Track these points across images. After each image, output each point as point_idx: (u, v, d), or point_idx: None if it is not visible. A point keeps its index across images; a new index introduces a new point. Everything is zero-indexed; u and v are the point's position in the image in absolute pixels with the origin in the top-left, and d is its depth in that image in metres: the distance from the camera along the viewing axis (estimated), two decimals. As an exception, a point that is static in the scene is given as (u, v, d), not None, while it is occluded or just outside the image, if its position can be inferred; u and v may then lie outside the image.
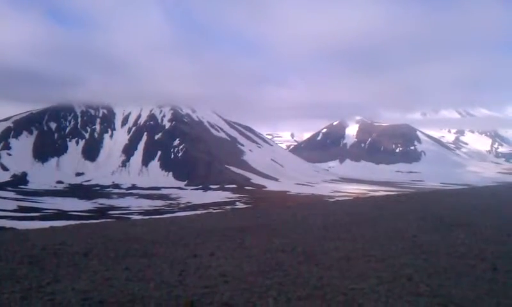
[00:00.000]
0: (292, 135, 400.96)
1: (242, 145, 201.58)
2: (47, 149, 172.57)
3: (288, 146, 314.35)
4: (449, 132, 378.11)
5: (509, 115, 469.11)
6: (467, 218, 14.47)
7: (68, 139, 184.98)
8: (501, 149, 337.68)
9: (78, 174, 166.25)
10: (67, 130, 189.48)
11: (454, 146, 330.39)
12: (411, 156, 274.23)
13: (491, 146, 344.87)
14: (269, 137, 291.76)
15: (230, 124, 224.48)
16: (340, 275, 7.44)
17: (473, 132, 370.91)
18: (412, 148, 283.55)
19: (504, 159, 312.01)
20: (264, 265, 8.06)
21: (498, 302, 6.29)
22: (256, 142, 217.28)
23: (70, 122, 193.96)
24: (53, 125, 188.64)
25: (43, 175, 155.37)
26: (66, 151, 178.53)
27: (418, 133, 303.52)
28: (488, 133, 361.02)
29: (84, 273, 7.56)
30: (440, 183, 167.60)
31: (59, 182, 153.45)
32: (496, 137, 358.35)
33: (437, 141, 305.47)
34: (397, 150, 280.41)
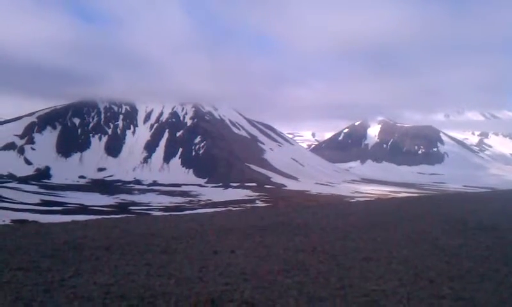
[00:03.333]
0: (313, 135, 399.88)
1: (263, 144, 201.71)
2: (70, 145, 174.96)
3: (309, 146, 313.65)
4: (473, 134, 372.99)
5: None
6: (490, 221, 14.23)
7: (91, 135, 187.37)
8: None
9: (100, 169, 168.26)
10: (90, 126, 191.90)
11: (477, 148, 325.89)
12: (434, 158, 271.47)
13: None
14: (290, 136, 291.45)
15: (251, 122, 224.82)
16: (361, 276, 7.38)
17: (497, 134, 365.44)
18: (435, 149, 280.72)
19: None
20: (284, 264, 8.04)
21: (523, 307, 6.18)
22: (277, 141, 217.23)
23: (93, 118, 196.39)
24: (76, 121, 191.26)
25: (65, 170, 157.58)
26: (89, 147, 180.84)
27: (441, 134, 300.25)
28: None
29: (105, 267, 7.63)
30: (463, 185, 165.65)
31: (82, 177, 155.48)
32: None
33: (460, 143, 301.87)
34: (419, 151, 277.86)
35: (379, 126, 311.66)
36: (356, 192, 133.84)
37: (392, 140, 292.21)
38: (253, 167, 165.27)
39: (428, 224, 13.46)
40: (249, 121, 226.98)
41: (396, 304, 6.16)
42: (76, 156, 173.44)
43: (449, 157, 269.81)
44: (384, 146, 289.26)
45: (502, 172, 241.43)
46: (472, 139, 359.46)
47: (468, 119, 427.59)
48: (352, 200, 71.96)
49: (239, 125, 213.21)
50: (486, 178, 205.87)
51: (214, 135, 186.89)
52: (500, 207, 20.05)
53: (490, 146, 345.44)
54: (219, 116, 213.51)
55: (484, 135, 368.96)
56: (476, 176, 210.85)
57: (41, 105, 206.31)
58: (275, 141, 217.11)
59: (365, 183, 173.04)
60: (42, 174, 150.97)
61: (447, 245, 10.12)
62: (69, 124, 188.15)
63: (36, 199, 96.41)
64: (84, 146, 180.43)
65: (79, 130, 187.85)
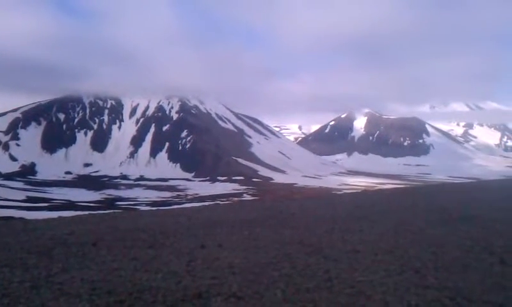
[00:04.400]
0: (300, 128, 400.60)
1: (250, 137, 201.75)
2: (55, 140, 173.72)
3: (296, 139, 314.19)
4: (458, 125, 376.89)
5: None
6: (475, 211, 14.39)
7: (76, 130, 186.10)
8: (510, 143, 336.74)
9: (86, 165, 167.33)
10: (75, 121, 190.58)
11: (462, 139, 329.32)
12: (420, 149, 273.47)
13: (500, 139, 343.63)
14: (277, 129, 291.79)
15: (238, 116, 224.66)
16: (348, 268, 7.44)
17: (482, 125, 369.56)
18: (420, 141, 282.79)
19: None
20: (272, 257, 8.07)
21: (506, 295, 6.27)
22: (264, 134, 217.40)
23: (78, 113, 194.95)
24: (61, 116, 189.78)
25: (51, 166, 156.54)
26: (74, 142, 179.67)
27: (427, 126, 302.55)
28: (497, 127, 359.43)
29: (92, 263, 7.61)
30: (448, 176, 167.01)
31: (68, 173, 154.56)
32: (505, 130, 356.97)
33: (445, 134, 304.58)
34: (405, 143, 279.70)
35: (365, 118, 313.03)
36: (343, 184, 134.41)
37: (377, 132, 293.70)
38: (240, 160, 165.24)
39: (414, 215, 13.58)
40: (236, 114, 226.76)
41: (383, 294, 6.22)
42: (62, 152, 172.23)
43: (435, 148, 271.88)
44: (371, 138, 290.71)
45: (487, 162, 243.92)
46: (457, 130, 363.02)
47: (453, 110, 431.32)
48: (339, 192, 72.30)
49: (225, 118, 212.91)
50: (470, 169, 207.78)
51: (200, 129, 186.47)
52: (485, 197, 20.28)
53: (475, 137, 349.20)
54: (206, 109, 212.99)
55: (469, 126, 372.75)
56: (461, 167, 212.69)
57: (25, 100, 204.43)
58: (262, 134, 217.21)
59: (352, 175, 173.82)
60: (28, 171, 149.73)
61: (432, 236, 10.23)
62: (54, 119, 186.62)
63: (22, 195, 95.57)
64: (69, 141, 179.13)
65: (64, 126, 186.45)
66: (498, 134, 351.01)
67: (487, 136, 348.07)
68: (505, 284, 6.73)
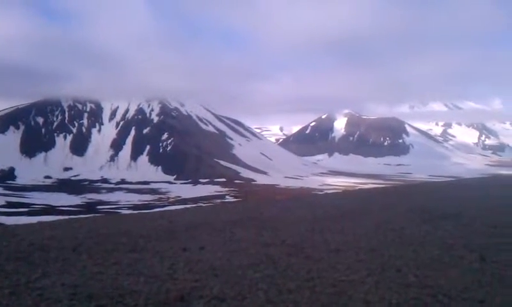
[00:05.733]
0: (281, 129, 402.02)
1: (231, 139, 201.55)
2: (34, 144, 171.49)
3: (277, 140, 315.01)
4: (437, 124, 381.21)
5: (496, 108, 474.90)
6: (454, 210, 14.58)
7: (55, 134, 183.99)
8: (488, 142, 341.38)
9: (66, 169, 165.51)
10: (54, 125, 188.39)
11: (441, 138, 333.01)
12: (399, 149, 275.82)
13: (479, 138, 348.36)
14: (258, 130, 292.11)
15: (219, 118, 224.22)
16: (330, 268, 7.48)
17: (460, 124, 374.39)
18: (400, 140, 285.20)
19: (491, 151, 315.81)
20: (254, 258, 8.08)
21: (486, 292, 6.36)
22: (245, 136, 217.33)
23: (57, 117, 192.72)
24: (40, 120, 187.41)
25: (30, 170, 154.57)
26: (53, 146, 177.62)
27: (406, 126, 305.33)
28: (475, 126, 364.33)
29: (73, 268, 7.52)
30: (428, 175, 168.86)
31: (47, 177, 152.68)
32: (483, 129, 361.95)
33: (425, 134, 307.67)
34: (385, 143, 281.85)
35: (345, 119, 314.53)
36: (324, 184, 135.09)
37: (358, 132, 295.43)
38: (222, 162, 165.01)
39: (394, 214, 13.71)
40: (217, 116, 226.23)
41: (364, 293, 6.27)
42: (41, 156, 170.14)
43: (414, 148, 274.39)
44: (351, 138, 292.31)
45: (466, 161, 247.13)
46: (436, 129, 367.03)
47: (432, 110, 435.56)
48: (321, 193, 72.62)
49: (206, 120, 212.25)
50: (450, 168, 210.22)
51: (181, 131, 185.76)
52: (464, 195, 20.55)
53: (454, 136, 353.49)
54: (186, 112, 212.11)
55: (448, 125, 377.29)
56: (440, 166, 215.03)
57: (2, 104, 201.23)
58: (243, 136, 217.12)
59: (333, 175, 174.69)
60: (6, 175, 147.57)
61: (412, 234, 10.34)
62: (32, 123, 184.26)
63: (1, 200, 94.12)
64: (48, 145, 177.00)
65: (43, 130, 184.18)
66: (477, 133, 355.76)
67: (465, 135, 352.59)
68: (485, 281, 6.83)
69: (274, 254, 8.42)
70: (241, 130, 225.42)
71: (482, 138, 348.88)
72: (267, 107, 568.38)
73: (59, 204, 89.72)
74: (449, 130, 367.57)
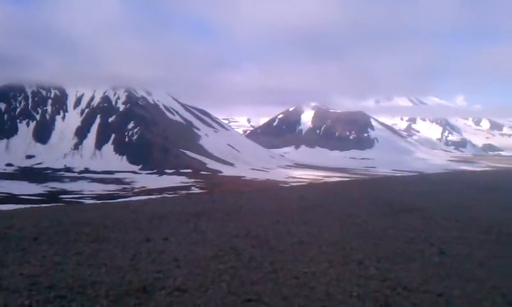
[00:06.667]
0: (249, 121, 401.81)
1: (198, 129, 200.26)
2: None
3: (244, 131, 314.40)
4: (401, 119, 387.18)
5: (459, 104, 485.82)
6: (416, 204, 14.89)
7: (18, 121, 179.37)
8: (451, 138, 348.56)
9: (28, 156, 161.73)
10: (17, 111, 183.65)
11: (406, 133, 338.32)
12: (365, 143, 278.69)
13: (442, 134, 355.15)
14: (226, 121, 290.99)
15: (186, 108, 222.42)
16: (293, 259, 7.55)
17: (424, 120, 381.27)
18: (365, 134, 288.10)
19: (453, 147, 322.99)
20: (218, 250, 8.09)
21: (445, 285, 6.51)
22: (213, 127, 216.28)
23: (20, 103, 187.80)
24: (2, 106, 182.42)
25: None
26: (16, 133, 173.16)
27: (372, 120, 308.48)
28: (439, 122, 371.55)
29: (32, 258, 7.39)
30: (392, 169, 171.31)
31: (9, 165, 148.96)
32: (446, 125, 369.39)
33: (389, 128, 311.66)
34: (351, 137, 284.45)
35: (313, 112, 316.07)
36: (290, 177, 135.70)
37: (324, 125, 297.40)
38: (188, 153, 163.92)
39: (358, 208, 13.90)
40: (184, 106, 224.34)
41: (326, 285, 6.35)
42: (2, 143, 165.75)
43: (379, 142, 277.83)
44: (318, 131, 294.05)
45: (429, 156, 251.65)
46: (401, 124, 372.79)
47: (397, 105, 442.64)
48: (286, 185, 73.03)
49: (173, 110, 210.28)
50: (413, 162, 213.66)
51: (147, 120, 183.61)
52: (426, 190, 20.96)
53: (418, 131, 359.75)
54: (153, 101, 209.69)
55: (412, 120, 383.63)
56: (404, 161, 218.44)
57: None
58: (211, 126, 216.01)
59: (299, 168, 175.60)
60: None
61: (375, 228, 10.51)
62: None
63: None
64: (10, 132, 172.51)
65: (5, 116, 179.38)
66: (440, 129, 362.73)
67: (429, 130, 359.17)
68: (444, 274, 7.00)
69: (239, 245, 8.45)
70: (208, 120, 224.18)
71: (445, 134, 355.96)
72: (235, 98, 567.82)
73: (21, 193, 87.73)
74: (413, 125, 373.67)
